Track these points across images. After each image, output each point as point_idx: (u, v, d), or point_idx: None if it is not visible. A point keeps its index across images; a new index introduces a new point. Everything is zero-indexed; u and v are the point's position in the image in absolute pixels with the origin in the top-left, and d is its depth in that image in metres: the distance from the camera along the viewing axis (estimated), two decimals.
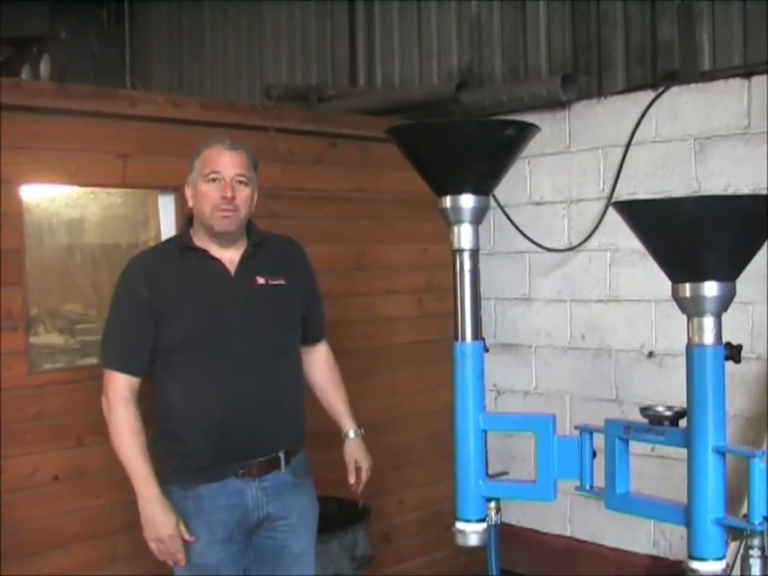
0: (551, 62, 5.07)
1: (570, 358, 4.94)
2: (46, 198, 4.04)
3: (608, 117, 4.70)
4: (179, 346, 2.95)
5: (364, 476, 3.30)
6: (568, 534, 4.95)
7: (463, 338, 2.47)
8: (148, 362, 2.99)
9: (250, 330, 2.99)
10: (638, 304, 4.63)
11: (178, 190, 3.97)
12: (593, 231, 4.77)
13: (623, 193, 4.60)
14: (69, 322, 4.26)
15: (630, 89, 4.69)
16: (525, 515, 5.07)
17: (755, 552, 2.04)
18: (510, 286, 5.12)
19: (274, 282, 3.07)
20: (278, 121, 4.22)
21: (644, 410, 2.28)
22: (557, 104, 4.82)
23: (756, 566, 2.04)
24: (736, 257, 2.10)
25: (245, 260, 3.04)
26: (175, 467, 3.00)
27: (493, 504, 2.47)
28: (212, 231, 2.98)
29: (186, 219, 3.11)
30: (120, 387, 2.94)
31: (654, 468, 4.21)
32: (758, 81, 4.18)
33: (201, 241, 3.02)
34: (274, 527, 3.08)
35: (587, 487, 2.38)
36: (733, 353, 2.13)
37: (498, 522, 2.48)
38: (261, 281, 3.04)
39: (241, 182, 2.97)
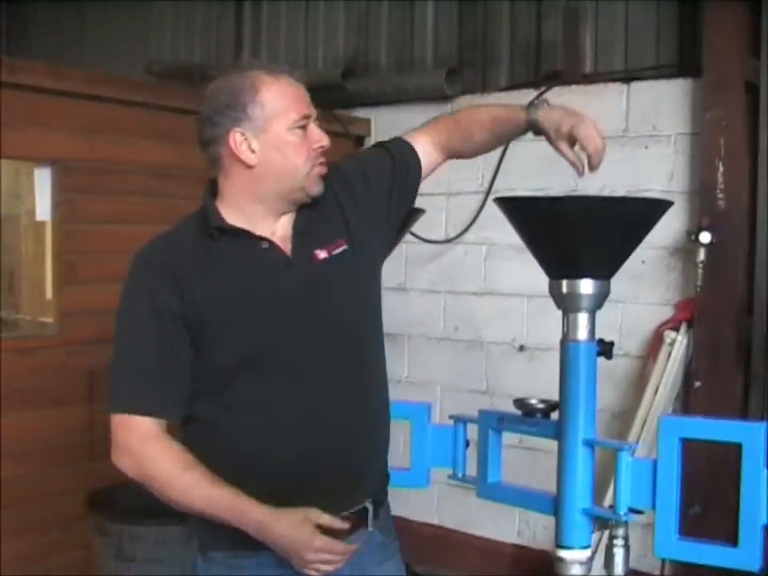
0: (437, 55, 5.10)
1: (442, 348, 5.00)
2: None
3: None
4: (231, 371, 2.09)
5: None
6: (436, 522, 5.01)
7: None
8: (185, 398, 2.10)
9: (323, 329, 2.14)
10: (511, 298, 4.70)
11: (55, 162, 3.89)
12: (470, 224, 4.83)
13: (501, 188, 4.65)
14: None
15: (513, 86, 4.75)
16: (393, 503, 5.09)
17: (619, 542, 2.12)
18: (386, 275, 5.10)
19: (337, 251, 2.19)
20: (162, 98, 4.16)
21: (518, 402, 2.33)
22: (441, 97, 4.85)
23: (620, 554, 2.11)
24: (612, 256, 2.17)
25: (299, 232, 2.18)
26: (219, 528, 2.06)
27: None
28: (298, 197, 2.16)
29: (207, 188, 2.20)
30: (143, 427, 2.05)
31: (521, 459, 4.28)
32: (637, 86, 4.29)
33: (238, 217, 2.14)
34: None
35: (460, 476, 2.44)
36: (605, 349, 2.20)
37: None
38: (322, 255, 2.17)
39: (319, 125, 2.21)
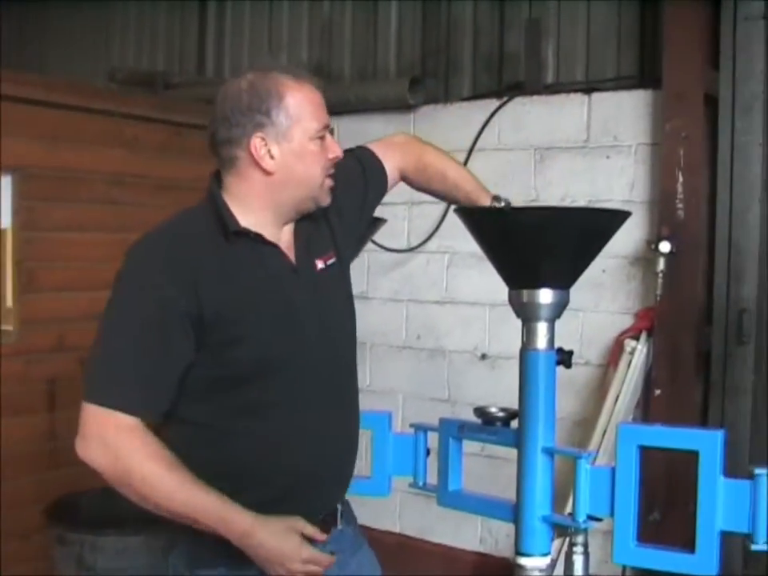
0: (400, 64, 5.12)
1: (404, 357, 5.00)
2: None
3: (453, 122, 4.77)
4: (243, 373, 2.03)
5: None
6: (397, 530, 5.02)
7: None
8: (171, 403, 2.01)
9: (325, 336, 2.15)
10: (472, 307, 4.71)
11: (16, 170, 3.87)
12: (432, 234, 4.84)
13: None
14: None
15: (475, 96, 4.78)
16: (356, 512, 5.09)
17: (579, 549, 2.13)
18: None
19: (330, 262, 2.22)
20: (125, 106, 4.16)
21: (477, 411, 2.34)
22: (404, 107, 4.86)
23: (579, 562, 2.13)
24: (571, 266, 2.18)
25: (301, 241, 2.17)
26: (214, 544, 2.00)
27: None
28: (308, 207, 2.15)
29: (213, 183, 2.13)
30: (122, 419, 1.92)
31: (482, 467, 4.30)
32: (598, 97, 4.32)
33: (249, 220, 2.08)
34: None
35: (421, 484, 2.44)
36: (564, 358, 2.21)
37: None
38: (320, 264, 2.19)
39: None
